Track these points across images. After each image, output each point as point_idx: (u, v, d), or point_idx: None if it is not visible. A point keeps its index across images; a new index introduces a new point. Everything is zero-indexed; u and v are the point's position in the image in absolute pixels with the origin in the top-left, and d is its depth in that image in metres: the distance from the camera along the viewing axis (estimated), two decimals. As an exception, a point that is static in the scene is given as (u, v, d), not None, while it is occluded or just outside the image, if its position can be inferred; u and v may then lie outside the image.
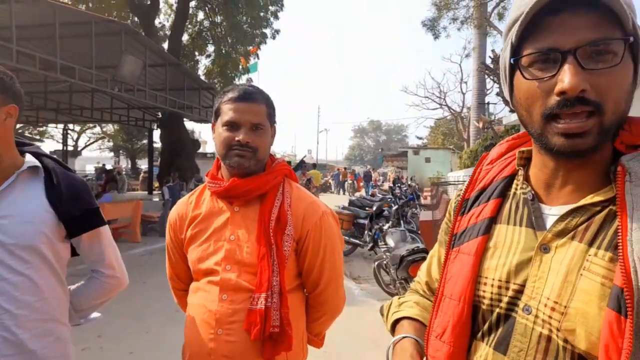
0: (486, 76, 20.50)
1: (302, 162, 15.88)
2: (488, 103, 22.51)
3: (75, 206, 1.38)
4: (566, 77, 0.65)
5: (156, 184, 17.85)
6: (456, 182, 15.50)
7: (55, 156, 1.47)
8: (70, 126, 25.77)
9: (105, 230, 1.48)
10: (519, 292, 0.73)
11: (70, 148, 27.63)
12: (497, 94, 16.69)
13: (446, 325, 0.81)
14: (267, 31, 18.49)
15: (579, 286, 0.66)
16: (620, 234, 0.63)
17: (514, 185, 0.82)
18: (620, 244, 0.63)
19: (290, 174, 1.54)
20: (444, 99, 28.74)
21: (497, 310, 0.76)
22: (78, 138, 33.69)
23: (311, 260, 1.45)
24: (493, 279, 0.77)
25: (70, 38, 8.80)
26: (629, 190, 0.65)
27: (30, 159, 1.36)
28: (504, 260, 0.77)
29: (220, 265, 1.38)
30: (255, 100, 1.40)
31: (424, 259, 4.14)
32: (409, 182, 18.39)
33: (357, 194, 15.74)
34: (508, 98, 0.80)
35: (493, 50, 16.63)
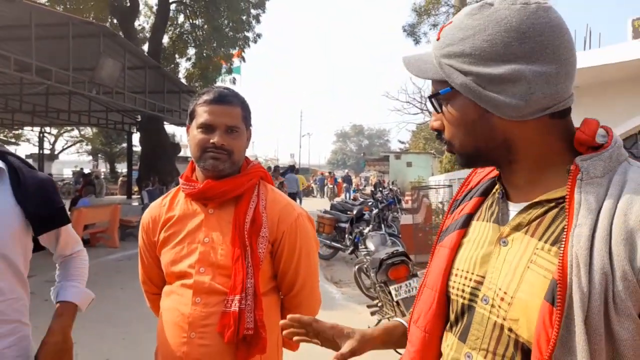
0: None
1: (276, 167, 15.79)
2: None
3: (44, 205, 1.38)
4: None
5: (135, 188, 17.58)
6: (437, 187, 15.65)
7: (18, 155, 1.46)
8: (47, 129, 25.28)
9: (69, 225, 1.52)
10: (480, 283, 0.78)
11: (47, 151, 27.04)
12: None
13: (421, 312, 0.88)
14: (250, 35, 18.48)
15: (525, 278, 0.70)
16: (566, 229, 0.67)
17: (496, 186, 0.87)
18: (563, 239, 0.66)
19: (266, 176, 1.54)
20: (425, 104, 29.05)
21: (462, 300, 0.81)
22: (55, 141, 33.03)
23: (286, 262, 1.44)
24: (462, 270, 0.82)
25: (47, 39, 8.64)
26: (579, 188, 0.68)
27: None
28: (472, 253, 0.82)
29: (194, 268, 1.36)
30: (230, 102, 1.40)
31: (403, 262, 4.15)
32: (391, 186, 18.52)
33: (337, 199, 15.45)
34: None
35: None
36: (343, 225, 8.36)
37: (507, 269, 0.73)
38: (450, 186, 13.20)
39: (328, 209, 9.90)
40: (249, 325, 1.30)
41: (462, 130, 0.78)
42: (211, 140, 1.36)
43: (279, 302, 1.52)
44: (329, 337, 1.02)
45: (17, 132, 27.38)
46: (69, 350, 1.41)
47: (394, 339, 1.04)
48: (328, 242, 8.31)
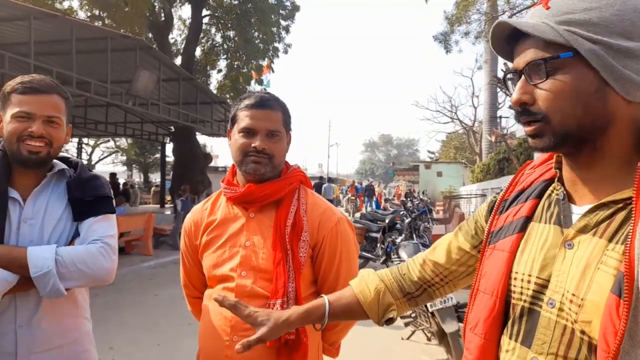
0: (498, 90, 20.45)
1: None
2: (500, 117, 22.39)
3: (87, 191, 1.47)
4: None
5: (168, 198, 17.96)
6: (469, 196, 15.35)
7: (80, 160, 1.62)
8: (85, 140, 26.18)
9: (114, 217, 1.52)
10: (544, 286, 0.77)
11: (84, 162, 27.93)
12: (510, 107, 16.58)
13: (479, 318, 0.85)
14: (279, 46, 18.70)
15: (595, 279, 0.69)
16: (632, 226, 0.66)
17: (551, 188, 0.86)
18: (630, 234, 0.65)
19: (306, 181, 1.54)
20: (456, 113, 28.65)
21: (523, 304, 0.79)
22: (92, 152, 34.16)
23: (327, 267, 1.44)
24: (523, 274, 0.80)
25: (86, 53, 8.98)
26: None
27: (59, 164, 1.50)
28: (533, 256, 0.80)
29: (236, 272, 1.37)
30: (271, 107, 1.41)
31: (438, 272, 4.05)
32: (421, 196, 18.29)
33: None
34: None
35: (505, 64, 16.55)
36: (374, 234, 8.28)
37: (575, 271, 0.72)
38: (483, 195, 12.92)
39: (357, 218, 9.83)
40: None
41: (570, 103, 0.74)
42: (252, 145, 1.37)
43: None
44: (250, 324, 1.06)
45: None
46: None
47: (311, 319, 1.08)
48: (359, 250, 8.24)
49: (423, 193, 21.60)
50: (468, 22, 17.42)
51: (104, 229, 1.45)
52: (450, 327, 3.82)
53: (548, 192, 0.86)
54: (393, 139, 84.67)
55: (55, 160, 1.50)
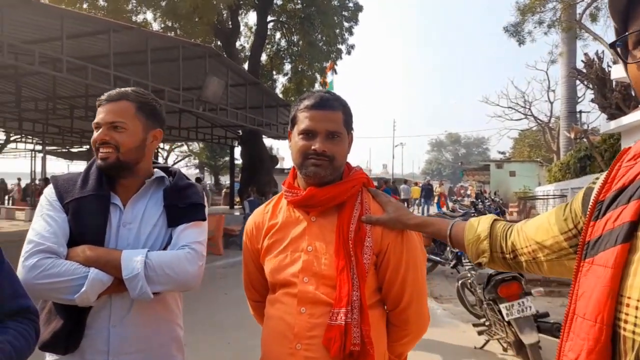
0: (578, 83, 19.05)
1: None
2: (580, 111, 20.87)
3: (182, 199, 1.51)
4: None
5: (237, 199, 18.56)
6: (546, 197, 14.42)
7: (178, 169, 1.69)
8: (161, 145, 27.75)
9: (205, 224, 1.54)
10: None
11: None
12: (592, 101, 15.36)
13: (580, 349, 0.71)
14: (342, 47, 18.70)
15: None
16: None
17: None
18: None
19: (369, 183, 1.47)
20: (529, 109, 27.09)
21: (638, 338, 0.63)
22: (167, 156, 36.22)
23: (392, 276, 1.35)
24: (638, 301, 0.64)
25: (160, 62, 9.49)
26: None
27: (158, 172, 1.56)
28: None
29: (298, 277, 1.33)
30: (332, 107, 1.36)
31: (514, 278, 3.79)
32: (493, 197, 17.45)
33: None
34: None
35: (586, 54, 15.39)
36: (442, 237, 7.98)
37: None
38: (563, 196, 12.05)
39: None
40: (355, 340, 1.23)
41: None
42: (312, 147, 1.32)
43: (385, 316, 1.42)
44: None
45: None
46: None
47: (430, 232, 1.32)
48: (427, 255, 7.98)
49: (495, 194, 20.60)
50: (541, 12, 16.36)
51: (193, 235, 1.47)
52: (529, 338, 3.56)
53: None
54: (461, 138, 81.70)
55: (155, 169, 1.56)
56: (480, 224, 1.20)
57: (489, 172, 26.62)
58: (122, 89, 1.50)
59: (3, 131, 19.28)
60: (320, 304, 1.29)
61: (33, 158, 24.85)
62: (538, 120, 26.66)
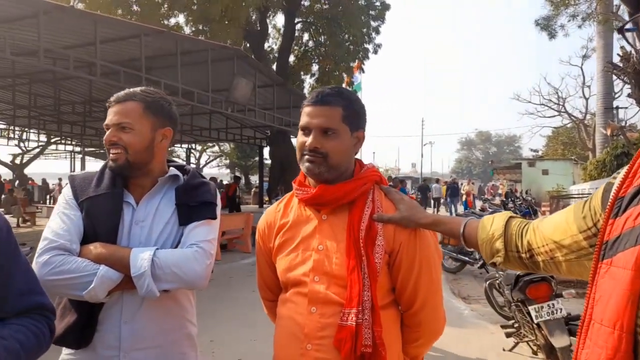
0: (614, 77, 18.32)
1: (395, 178, 15.60)
2: (617, 107, 20.07)
3: (193, 197, 1.51)
4: None
5: (266, 198, 18.75)
6: (580, 195, 13.95)
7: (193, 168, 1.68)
8: (193, 146, 28.31)
9: (216, 223, 1.54)
10: None
11: (193, 166, 30.25)
12: (629, 96, 14.75)
13: (597, 359, 0.67)
14: (369, 46, 18.62)
15: None
16: None
17: None
18: None
19: (381, 181, 1.43)
20: (563, 106, 26.22)
21: None
22: (200, 156, 36.91)
23: (405, 276, 1.32)
24: None
25: (190, 65, 9.70)
26: None
27: (173, 170, 1.56)
28: None
29: (309, 276, 1.31)
30: (328, 102, 1.31)
31: (544, 279, 3.69)
32: (524, 196, 17.02)
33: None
34: None
35: (622, 47, 14.77)
36: (471, 237, 7.84)
37: None
38: (598, 195, 11.65)
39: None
40: (366, 342, 1.21)
41: None
42: (306, 143, 1.31)
43: (399, 317, 1.39)
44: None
45: (169, 148, 31.19)
46: None
47: (442, 230, 1.29)
48: (454, 254, 7.86)
49: (526, 192, 20.08)
50: (575, 4, 15.82)
51: (203, 233, 1.47)
52: (560, 341, 3.46)
53: None
54: (492, 136, 79.92)
55: (170, 167, 1.57)
56: (495, 222, 1.17)
57: (521, 170, 25.93)
58: (131, 90, 1.49)
59: (44, 133, 20.08)
60: (331, 304, 1.27)
61: (72, 159, 25.86)
62: (572, 117, 25.78)
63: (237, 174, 28.59)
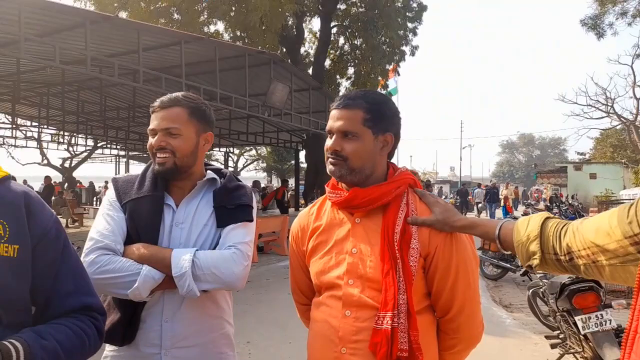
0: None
1: (427, 182, 15.30)
2: (672, 107, 18.96)
3: (230, 200, 1.54)
4: None
5: (302, 201, 18.85)
6: (632, 201, 13.21)
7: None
8: (231, 149, 28.89)
9: (252, 225, 1.57)
10: None
11: (231, 169, 30.95)
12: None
13: None
14: (406, 48, 18.43)
15: None
16: None
17: None
18: None
19: (415, 184, 1.41)
20: (612, 106, 24.98)
21: None
22: (237, 160, 37.60)
23: (441, 281, 1.29)
24: None
25: (228, 70, 9.90)
26: None
27: (210, 174, 1.60)
28: None
29: (343, 279, 1.30)
30: (348, 106, 1.33)
31: (591, 289, 3.51)
32: (570, 201, 16.33)
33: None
34: None
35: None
36: (513, 243, 7.58)
37: None
38: (651, 200, 11.02)
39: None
40: (402, 346, 1.19)
41: None
42: (328, 146, 1.34)
43: (435, 323, 1.36)
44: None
45: (208, 152, 32.00)
46: None
47: (477, 232, 1.26)
48: (495, 260, 7.62)
49: (572, 197, 19.27)
50: (624, 1, 15.09)
51: (240, 235, 1.50)
52: (609, 354, 3.27)
53: None
54: (535, 139, 77.23)
55: (208, 171, 1.61)
56: (530, 224, 1.13)
57: (566, 174, 24.91)
58: (173, 96, 1.54)
59: (91, 138, 21.00)
60: (366, 308, 1.26)
61: (117, 162, 26.91)
62: (622, 119, 24.54)
63: (275, 177, 28.90)
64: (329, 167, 1.35)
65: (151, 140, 1.51)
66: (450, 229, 1.29)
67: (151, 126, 1.51)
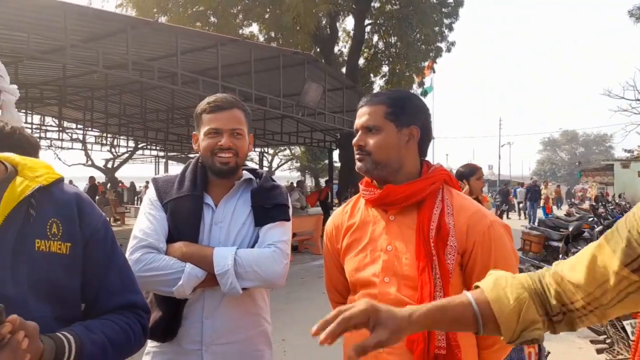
0: None
1: None
2: None
3: (267, 200, 1.58)
4: None
5: (336, 200, 18.85)
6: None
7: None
8: (265, 149, 29.21)
9: (289, 224, 1.60)
10: None
11: (265, 169, 31.31)
12: None
13: None
14: (442, 45, 18.08)
15: None
16: None
17: None
18: None
19: (450, 180, 1.39)
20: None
21: None
22: (272, 160, 37.97)
23: (479, 278, 1.25)
24: None
25: (263, 71, 10.01)
26: None
27: (247, 174, 1.65)
28: None
29: (378, 277, 1.30)
30: (370, 102, 1.37)
31: (641, 292, 3.35)
32: (617, 200, 15.60)
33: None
34: None
35: None
36: (555, 244, 7.32)
37: None
38: None
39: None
40: (440, 344, 1.18)
41: None
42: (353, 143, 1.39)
43: None
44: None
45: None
46: None
47: (446, 321, 0.86)
48: (537, 262, 7.37)
49: (619, 197, 18.40)
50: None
51: (278, 234, 1.54)
52: (660, 360, 3.11)
53: None
54: (579, 136, 74.21)
55: (244, 171, 1.65)
56: (509, 287, 0.88)
57: (612, 172, 23.81)
58: (228, 97, 1.58)
59: (132, 139, 21.73)
60: (402, 306, 1.24)
61: (157, 163, 27.74)
62: (674, 113, 23.23)
63: (309, 176, 28.99)
64: (357, 164, 1.38)
65: (209, 140, 1.54)
66: (401, 334, 0.91)
67: (214, 125, 1.54)
